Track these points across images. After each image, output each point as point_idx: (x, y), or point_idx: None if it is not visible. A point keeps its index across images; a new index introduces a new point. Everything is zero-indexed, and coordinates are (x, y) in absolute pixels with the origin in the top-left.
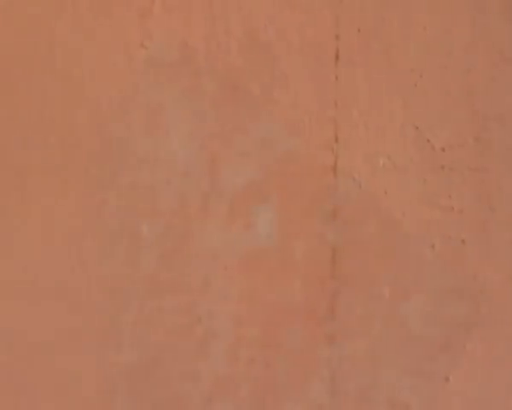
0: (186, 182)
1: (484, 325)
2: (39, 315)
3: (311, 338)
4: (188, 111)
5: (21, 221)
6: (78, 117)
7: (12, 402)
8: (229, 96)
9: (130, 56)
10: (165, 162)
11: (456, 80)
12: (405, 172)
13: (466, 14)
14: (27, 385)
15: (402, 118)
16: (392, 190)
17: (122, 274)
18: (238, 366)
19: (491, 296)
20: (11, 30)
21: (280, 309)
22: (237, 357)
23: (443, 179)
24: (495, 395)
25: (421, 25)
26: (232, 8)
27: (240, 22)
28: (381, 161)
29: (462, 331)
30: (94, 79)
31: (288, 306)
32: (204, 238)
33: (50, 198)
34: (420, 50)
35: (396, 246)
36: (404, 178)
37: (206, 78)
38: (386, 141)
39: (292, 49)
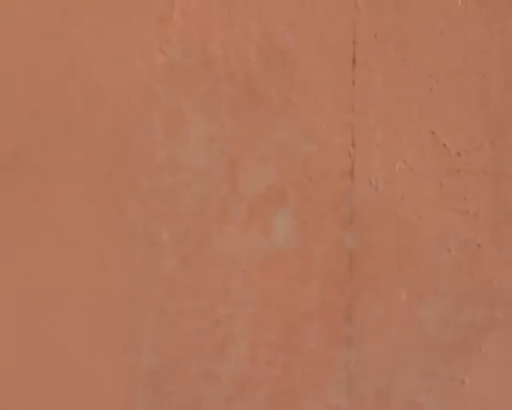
0: (206, 186)
1: (499, 327)
2: (60, 317)
3: (328, 341)
4: (207, 116)
5: (44, 225)
6: (99, 122)
7: (34, 402)
8: (248, 102)
9: (150, 62)
10: (184, 166)
11: (471, 85)
12: (421, 177)
13: (481, 19)
14: (49, 386)
15: (418, 122)
16: (408, 195)
17: (143, 277)
18: (256, 368)
19: (506, 300)
20: (33, 36)
21: (298, 312)
22: (256, 359)
23: (459, 183)
24: (510, 397)
25: (437, 30)
26: (250, 14)
27: (258, 28)
28: (397, 165)
29: (478, 334)
30: (114, 84)
31: (305, 309)
32: (223, 242)
33: (73, 202)
34: (436, 55)
35: (412, 250)
36: (421, 183)
37: (225, 83)
38: (402, 145)
39: (309, 55)
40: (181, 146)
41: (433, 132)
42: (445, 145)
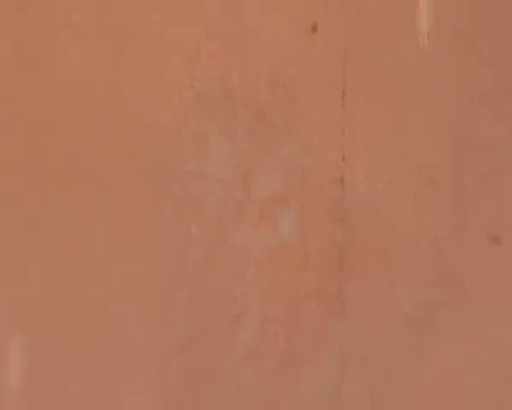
0: (225, 192)
1: (460, 306)
2: (109, 298)
3: (323, 317)
4: (227, 137)
5: (87, 227)
6: (139, 142)
7: (70, 371)
8: (259, 125)
9: (182, 94)
10: (209, 177)
11: (438, 114)
12: (399, 186)
13: (448, 59)
14: (90, 360)
15: (396, 142)
16: (388, 201)
17: (176, 264)
18: (265, 338)
19: (466, 284)
20: (84, 75)
21: (298, 293)
22: (264, 331)
23: (428, 192)
24: (469, 358)
25: (407, 71)
26: (261, 55)
27: (268, 67)
28: (379, 177)
29: (444, 312)
30: (153, 112)
31: (304, 291)
32: (239, 237)
33: (119, 207)
34: (409, 89)
35: (392, 244)
36: (398, 191)
37: (241, 110)
38: (383, 161)
39: (308, 88)
40: (206, 161)
41: (408, 151)
42: (417, 162)
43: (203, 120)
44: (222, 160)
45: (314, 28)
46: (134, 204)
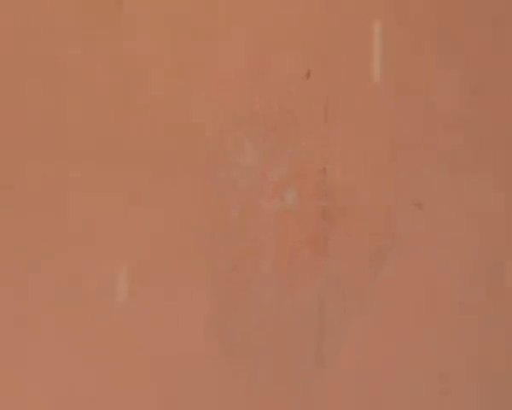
0: (252, 177)
1: (397, 249)
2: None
3: (312, 256)
4: (253, 141)
5: (163, 199)
6: (199, 141)
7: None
8: (272, 135)
9: (227, 112)
10: (242, 166)
11: (386, 128)
12: (363, 173)
13: (394, 95)
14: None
15: (362, 148)
16: (355, 182)
17: (220, 222)
18: (276, 269)
19: (401, 235)
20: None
21: (296, 240)
22: (276, 259)
23: (382, 177)
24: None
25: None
26: (274, 91)
27: (278, 98)
28: (349, 168)
29: (388, 252)
30: (210, 122)
31: (300, 238)
32: (260, 205)
33: (179, 188)
34: (369, 115)
35: (358, 209)
36: (363, 176)
37: (261, 125)
38: (352, 159)
39: (303, 112)
40: (240, 156)
41: (368, 152)
42: (375, 159)
43: (239, 129)
44: (250, 156)
45: (308, 75)
46: (193, 184)
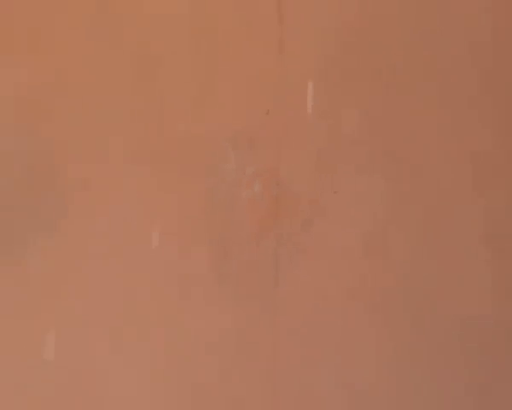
0: (236, 176)
1: (320, 222)
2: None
3: (271, 222)
4: (237, 153)
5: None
6: (204, 152)
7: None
8: (247, 152)
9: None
10: (228, 171)
11: (316, 140)
12: (300, 174)
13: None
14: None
15: (301, 150)
16: (297, 178)
17: (214, 205)
18: (252, 230)
19: (327, 213)
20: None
21: (261, 212)
22: (247, 226)
23: (312, 176)
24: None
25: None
26: (242, 124)
27: (246, 129)
28: (295, 171)
29: (312, 225)
30: (211, 148)
31: (262, 210)
32: (239, 192)
33: (188, 185)
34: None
35: (295, 196)
36: (300, 175)
37: (240, 148)
38: (297, 167)
39: (268, 137)
40: (229, 163)
41: (303, 160)
42: (308, 166)
43: (228, 144)
44: (232, 161)
45: (267, 112)
46: (197, 179)
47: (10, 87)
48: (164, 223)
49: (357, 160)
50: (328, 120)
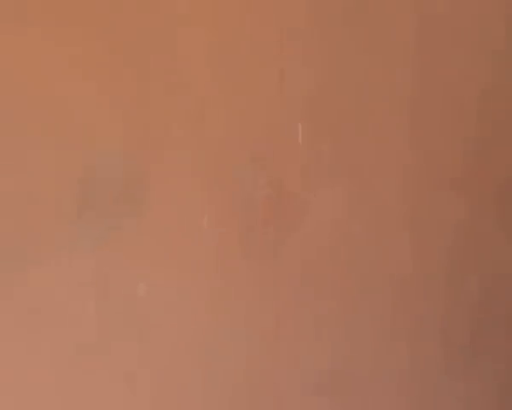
0: (250, 183)
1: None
2: None
3: (273, 211)
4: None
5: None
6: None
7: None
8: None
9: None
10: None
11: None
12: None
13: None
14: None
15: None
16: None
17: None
18: (262, 217)
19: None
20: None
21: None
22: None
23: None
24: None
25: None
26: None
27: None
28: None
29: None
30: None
31: (266, 203)
32: (254, 194)
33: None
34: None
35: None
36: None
37: (252, 162)
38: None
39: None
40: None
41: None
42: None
43: (248, 162)
44: (252, 174)
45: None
46: (224, 185)
47: None
48: (210, 212)
49: (328, 174)
50: (313, 148)
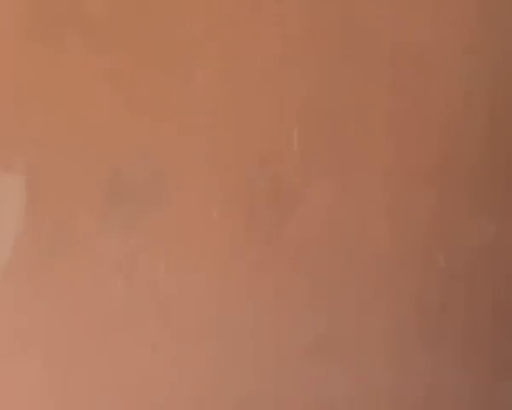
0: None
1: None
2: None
3: (273, 200)
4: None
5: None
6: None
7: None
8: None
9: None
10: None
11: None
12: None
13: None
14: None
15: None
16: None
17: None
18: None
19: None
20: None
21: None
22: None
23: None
24: None
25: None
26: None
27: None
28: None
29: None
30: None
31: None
32: (259, 186)
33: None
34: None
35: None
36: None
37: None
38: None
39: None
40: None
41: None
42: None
43: (255, 164)
44: (258, 172)
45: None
46: (241, 182)
47: None
48: (219, 204)
49: (320, 170)
50: (308, 148)
